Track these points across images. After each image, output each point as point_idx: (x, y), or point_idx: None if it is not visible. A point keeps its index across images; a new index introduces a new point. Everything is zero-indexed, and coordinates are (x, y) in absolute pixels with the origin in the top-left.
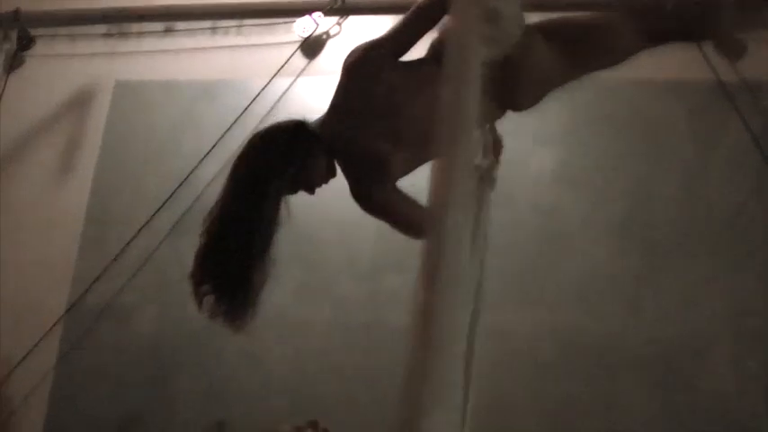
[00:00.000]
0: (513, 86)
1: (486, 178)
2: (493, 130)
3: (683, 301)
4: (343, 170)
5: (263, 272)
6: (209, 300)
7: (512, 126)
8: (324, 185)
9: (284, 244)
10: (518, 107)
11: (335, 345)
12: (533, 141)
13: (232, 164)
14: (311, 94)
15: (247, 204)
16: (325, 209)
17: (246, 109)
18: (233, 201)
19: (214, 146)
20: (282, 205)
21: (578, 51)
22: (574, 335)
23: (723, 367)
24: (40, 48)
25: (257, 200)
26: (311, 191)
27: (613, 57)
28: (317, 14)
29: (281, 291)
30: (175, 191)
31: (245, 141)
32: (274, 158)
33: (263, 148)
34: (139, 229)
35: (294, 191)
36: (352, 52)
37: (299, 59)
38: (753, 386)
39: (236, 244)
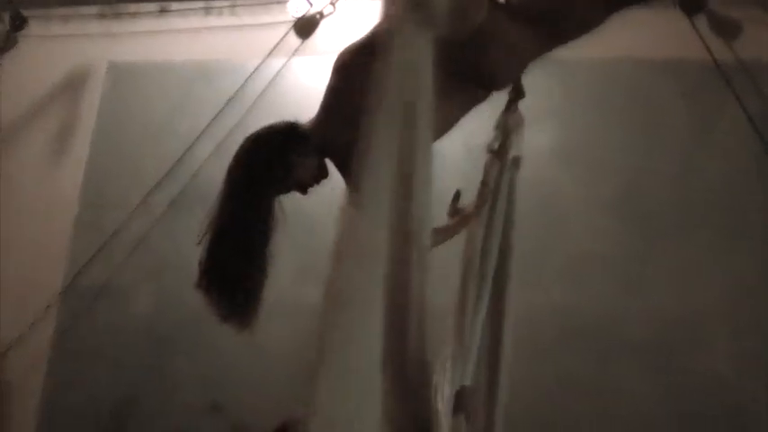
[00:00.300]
0: (485, 66)
1: (507, 159)
2: (511, 110)
3: (680, 281)
4: (339, 168)
5: (263, 271)
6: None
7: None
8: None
9: (282, 227)
10: (495, 86)
11: None
12: (529, 121)
13: (228, 167)
14: (305, 73)
15: (243, 205)
16: (322, 193)
17: (240, 89)
18: (229, 202)
19: (208, 125)
20: (277, 206)
21: (546, 25)
22: (570, 316)
23: (720, 348)
24: (33, 28)
25: (252, 200)
26: (303, 191)
27: (583, 25)
28: None
29: (278, 274)
30: (170, 170)
31: (240, 145)
32: (266, 160)
33: (255, 151)
34: (134, 208)
35: (286, 191)
36: (341, 54)
37: (293, 39)
38: (750, 367)
39: (234, 245)
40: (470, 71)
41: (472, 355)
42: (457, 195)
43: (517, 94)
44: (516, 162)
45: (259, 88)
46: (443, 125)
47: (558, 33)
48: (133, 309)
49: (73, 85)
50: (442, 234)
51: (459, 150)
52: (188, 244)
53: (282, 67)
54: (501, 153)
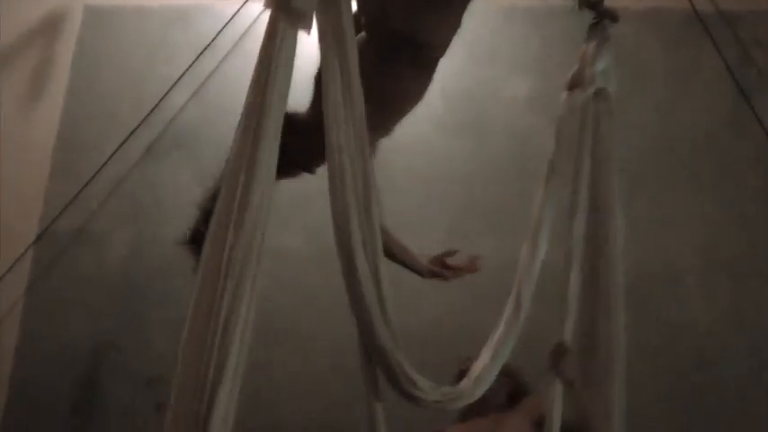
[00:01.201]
0: (421, 28)
1: (588, 92)
2: (594, 38)
3: (655, 229)
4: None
5: None
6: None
7: (486, 55)
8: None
9: None
10: (446, 34)
11: (309, 273)
12: (507, 70)
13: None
14: None
15: None
16: None
17: (219, 34)
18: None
19: (186, 71)
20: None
21: None
22: (543, 265)
23: (694, 297)
24: None
25: None
26: (310, 171)
27: None
28: None
29: None
30: (147, 116)
31: None
32: None
33: None
34: (112, 154)
35: (285, 173)
36: None
37: None
38: (723, 316)
39: None
40: (414, 38)
41: (571, 312)
42: (450, 253)
43: (602, 16)
44: (602, 95)
45: (237, 34)
46: (413, 95)
47: None
48: (109, 254)
49: (49, 28)
50: (404, 256)
51: (437, 96)
52: (164, 190)
53: (261, 12)
54: (581, 86)
